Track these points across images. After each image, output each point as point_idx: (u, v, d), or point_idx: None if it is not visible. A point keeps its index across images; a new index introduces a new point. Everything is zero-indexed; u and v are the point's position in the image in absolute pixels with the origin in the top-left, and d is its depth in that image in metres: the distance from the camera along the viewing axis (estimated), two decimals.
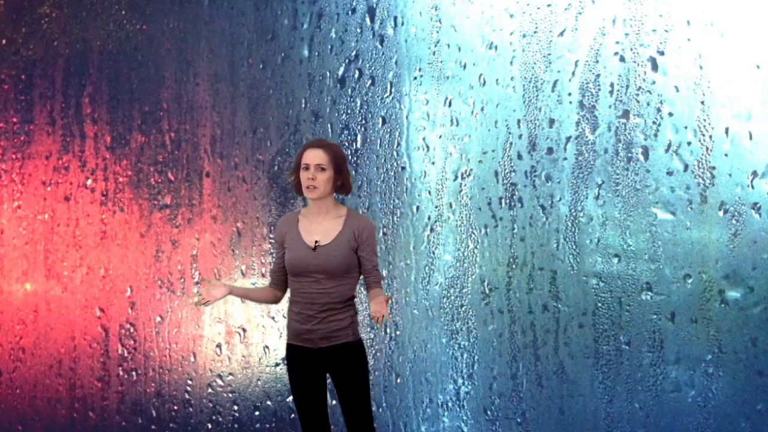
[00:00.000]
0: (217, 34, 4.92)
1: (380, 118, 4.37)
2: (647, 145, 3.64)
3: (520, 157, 3.95)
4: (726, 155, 3.48)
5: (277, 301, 3.71)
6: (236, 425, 4.83)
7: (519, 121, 3.96)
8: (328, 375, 3.66)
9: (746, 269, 3.45)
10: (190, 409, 4.96)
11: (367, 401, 3.56)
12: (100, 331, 5.34)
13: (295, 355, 3.62)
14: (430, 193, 4.22)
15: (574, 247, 3.81)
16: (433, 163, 4.20)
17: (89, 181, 5.40)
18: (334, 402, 4.51)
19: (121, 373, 5.25)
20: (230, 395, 4.85)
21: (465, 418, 4.10)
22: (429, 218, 4.22)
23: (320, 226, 3.57)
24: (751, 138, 3.44)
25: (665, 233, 3.61)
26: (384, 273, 4.34)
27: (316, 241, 3.54)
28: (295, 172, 3.61)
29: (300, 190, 3.65)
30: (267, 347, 4.72)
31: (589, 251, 3.78)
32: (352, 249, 3.54)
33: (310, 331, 3.55)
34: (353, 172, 4.44)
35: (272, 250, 4.69)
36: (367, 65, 4.41)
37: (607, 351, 3.73)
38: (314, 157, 3.52)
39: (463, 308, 4.12)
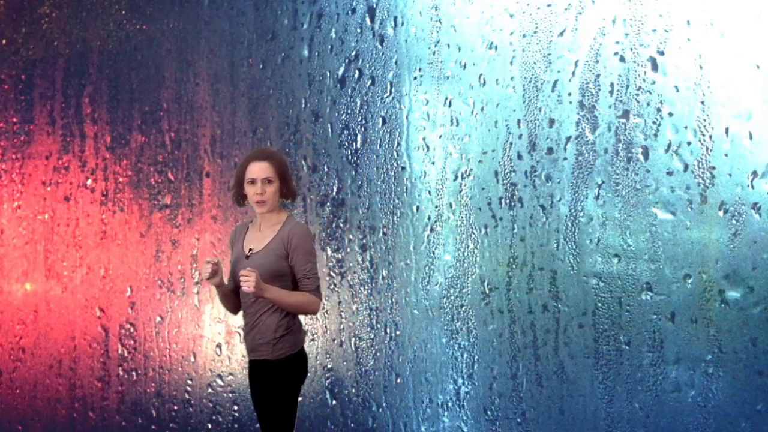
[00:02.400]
0: (217, 34, 4.92)
1: (380, 118, 4.37)
2: (647, 145, 3.64)
3: (520, 157, 3.95)
4: (726, 155, 3.48)
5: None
6: (236, 425, 4.83)
7: (519, 121, 3.96)
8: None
9: (746, 269, 3.45)
10: (190, 409, 4.96)
11: (276, 422, 3.43)
12: (100, 331, 5.34)
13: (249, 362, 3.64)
14: (430, 193, 4.22)
15: (574, 247, 3.81)
16: (433, 163, 4.20)
17: (89, 181, 5.40)
18: (334, 402, 4.51)
19: (121, 373, 5.25)
20: (230, 395, 4.85)
21: (465, 418, 4.10)
22: (429, 218, 4.21)
23: (261, 234, 3.54)
24: (751, 138, 3.44)
25: (665, 233, 3.61)
26: (384, 273, 4.34)
27: (250, 249, 3.51)
28: (237, 185, 3.55)
29: (240, 202, 3.60)
30: None
31: (589, 251, 3.78)
32: (280, 257, 3.45)
33: (245, 340, 3.56)
34: (353, 172, 4.44)
35: None
36: (367, 65, 4.41)
37: (607, 351, 3.73)
38: (260, 170, 3.47)
39: (463, 308, 4.12)
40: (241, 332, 4.82)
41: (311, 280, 3.49)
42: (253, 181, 3.47)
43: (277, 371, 3.47)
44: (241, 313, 3.62)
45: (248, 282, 3.32)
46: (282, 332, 3.48)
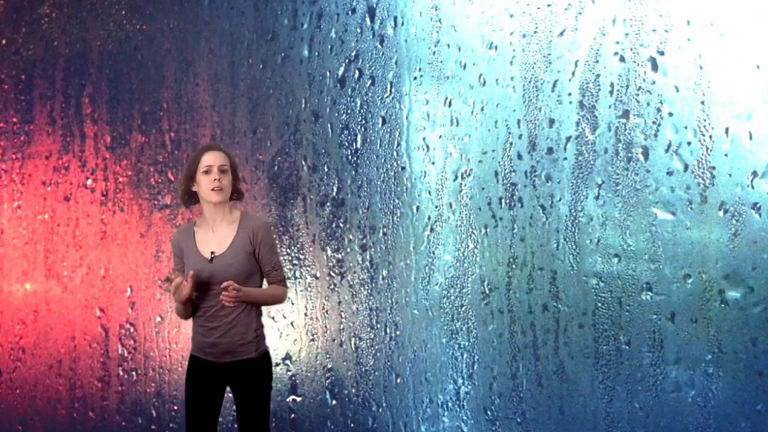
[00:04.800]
0: (217, 34, 4.92)
1: (380, 118, 4.37)
2: (647, 145, 3.64)
3: (520, 157, 3.95)
4: (726, 155, 3.48)
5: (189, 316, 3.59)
6: (236, 425, 4.82)
7: (519, 121, 3.96)
8: (228, 388, 3.60)
9: (746, 269, 3.45)
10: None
11: (266, 418, 3.49)
12: (100, 331, 5.34)
13: (197, 368, 3.53)
14: (430, 193, 4.22)
15: (574, 247, 3.81)
16: (433, 163, 4.20)
17: (89, 181, 5.40)
18: (334, 402, 4.51)
19: (121, 373, 5.25)
20: (230, 395, 4.85)
21: (465, 418, 4.10)
22: (429, 218, 4.21)
23: (216, 235, 3.48)
24: (751, 138, 3.44)
25: (665, 233, 3.61)
26: (384, 273, 4.34)
27: (212, 252, 3.45)
28: (187, 180, 3.48)
29: (188, 201, 3.53)
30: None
31: (589, 251, 3.78)
32: (249, 254, 3.44)
33: (213, 345, 3.46)
34: (353, 172, 4.44)
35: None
36: (367, 65, 4.41)
37: (607, 351, 3.73)
38: (216, 159, 3.44)
39: (463, 308, 4.12)
40: None
41: (278, 271, 3.51)
42: (208, 170, 3.43)
43: (262, 367, 3.51)
44: (197, 318, 3.54)
45: (230, 299, 3.33)
46: (259, 329, 3.52)
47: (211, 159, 3.44)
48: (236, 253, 3.44)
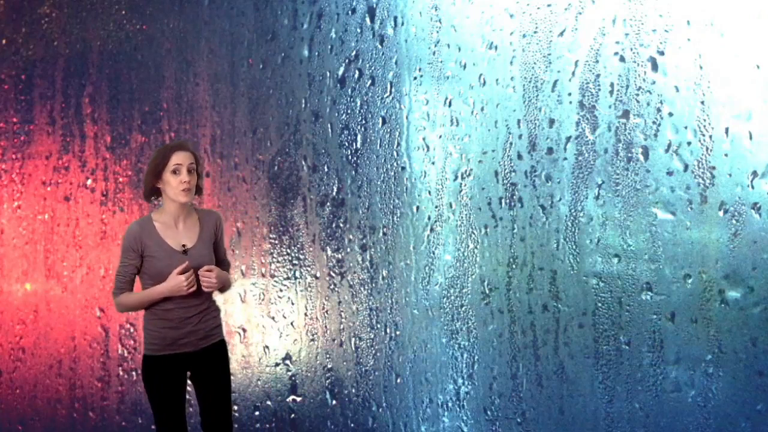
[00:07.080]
0: (217, 34, 4.92)
1: (380, 118, 4.37)
2: (647, 145, 3.64)
3: (520, 157, 3.95)
4: (726, 155, 3.48)
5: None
6: (236, 425, 4.83)
7: (519, 121, 3.96)
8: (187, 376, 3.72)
9: (746, 269, 3.45)
10: (190, 409, 4.96)
11: (230, 398, 3.71)
12: (100, 331, 5.34)
13: (163, 368, 3.54)
14: (430, 193, 4.22)
15: (574, 247, 3.81)
16: (433, 163, 4.20)
17: (89, 181, 5.40)
18: (334, 402, 4.51)
19: (121, 373, 5.25)
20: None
21: (465, 418, 4.10)
22: (429, 218, 4.21)
23: (181, 230, 3.57)
24: (751, 138, 3.44)
25: (665, 233, 3.61)
26: (384, 273, 4.34)
27: (183, 245, 3.55)
28: (154, 178, 3.51)
29: (150, 197, 3.58)
30: (267, 347, 4.73)
31: (589, 251, 3.78)
32: (212, 244, 3.67)
33: (190, 333, 3.56)
34: (353, 172, 4.44)
35: (272, 250, 4.69)
36: (367, 65, 4.41)
37: (607, 351, 3.73)
38: (186, 158, 3.50)
39: (463, 308, 4.12)
40: (241, 332, 4.82)
41: (227, 259, 3.82)
42: (177, 170, 3.48)
43: (226, 348, 3.75)
44: (165, 312, 3.59)
45: (212, 281, 3.51)
46: (219, 314, 3.76)
47: (180, 159, 3.50)
48: (206, 244, 3.63)
